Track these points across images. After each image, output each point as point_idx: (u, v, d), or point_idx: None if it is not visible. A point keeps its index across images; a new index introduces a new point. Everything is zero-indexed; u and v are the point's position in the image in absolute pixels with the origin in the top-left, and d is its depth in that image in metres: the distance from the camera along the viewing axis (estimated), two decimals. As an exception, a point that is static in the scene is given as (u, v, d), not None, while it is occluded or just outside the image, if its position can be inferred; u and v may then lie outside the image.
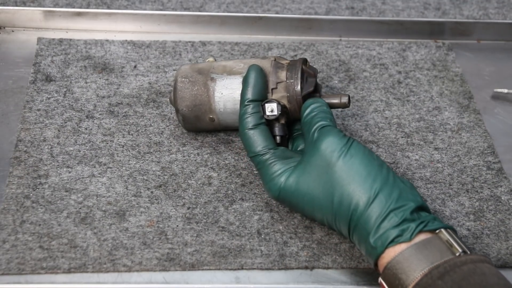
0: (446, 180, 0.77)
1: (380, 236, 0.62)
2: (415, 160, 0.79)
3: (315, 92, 0.74)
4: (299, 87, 0.73)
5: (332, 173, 0.65)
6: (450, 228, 0.63)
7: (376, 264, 0.64)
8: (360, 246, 0.65)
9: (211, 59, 0.79)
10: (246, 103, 0.71)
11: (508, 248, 0.71)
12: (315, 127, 0.69)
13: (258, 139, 0.70)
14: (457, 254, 0.60)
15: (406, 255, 0.61)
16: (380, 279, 0.62)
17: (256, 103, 0.71)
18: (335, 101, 0.74)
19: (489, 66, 0.93)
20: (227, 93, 0.75)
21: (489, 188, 0.77)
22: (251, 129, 0.71)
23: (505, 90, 0.88)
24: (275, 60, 0.74)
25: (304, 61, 0.75)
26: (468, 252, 0.61)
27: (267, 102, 0.72)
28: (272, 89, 0.73)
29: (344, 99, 0.74)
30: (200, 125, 0.77)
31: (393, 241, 0.61)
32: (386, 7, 0.98)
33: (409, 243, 0.61)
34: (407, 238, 0.61)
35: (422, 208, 0.64)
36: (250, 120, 0.71)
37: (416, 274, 0.60)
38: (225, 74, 0.75)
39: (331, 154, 0.66)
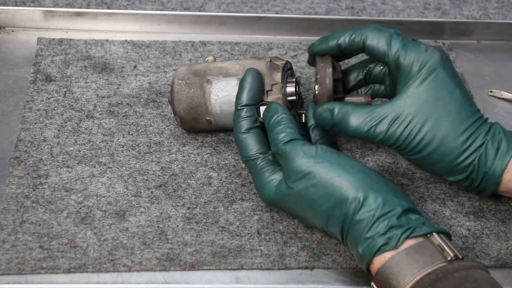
0: (446, 180, 0.77)
1: (367, 245, 0.62)
2: (415, 160, 0.79)
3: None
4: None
5: (314, 189, 0.65)
6: (442, 232, 0.62)
7: (368, 270, 0.63)
8: (352, 252, 0.65)
9: (210, 58, 0.78)
10: (239, 107, 0.71)
11: (508, 248, 0.71)
12: (278, 138, 0.68)
13: (250, 143, 0.70)
14: (449, 258, 0.60)
15: (397, 261, 0.60)
16: (373, 284, 0.62)
17: (250, 107, 0.71)
18: (360, 99, 0.73)
19: (489, 66, 0.92)
20: (223, 95, 0.74)
21: (489, 188, 0.77)
22: (243, 133, 0.70)
23: (503, 93, 0.87)
24: (270, 61, 0.74)
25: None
26: (460, 257, 0.60)
27: (261, 105, 0.72)
28: (267, 91, 0.73)
29: (368, 99, 0.73)
30: (198, 126, 0.77)
31: (380, 250, 0.61)
32: (386, 7, 0.98)
33: (397, 250, 0.61)
34: (393, 246, 0.61)
35: (410, 210, 0.63)
36: (243, 124, 0.71)
37: (407, 279, 0.59)
38: (221, 76, 0.75)
39: (306, 175, 0.65)
